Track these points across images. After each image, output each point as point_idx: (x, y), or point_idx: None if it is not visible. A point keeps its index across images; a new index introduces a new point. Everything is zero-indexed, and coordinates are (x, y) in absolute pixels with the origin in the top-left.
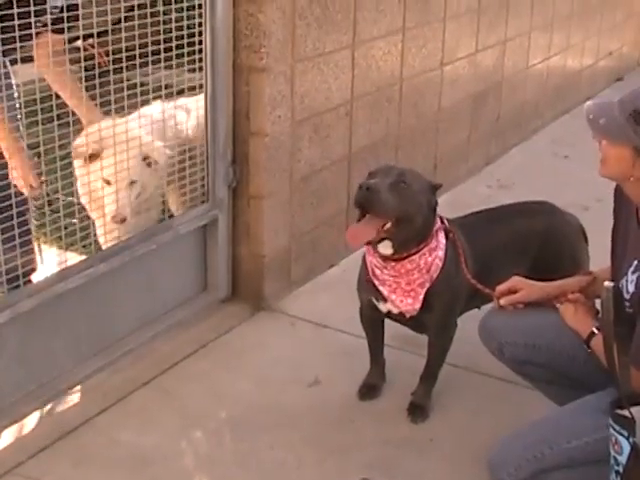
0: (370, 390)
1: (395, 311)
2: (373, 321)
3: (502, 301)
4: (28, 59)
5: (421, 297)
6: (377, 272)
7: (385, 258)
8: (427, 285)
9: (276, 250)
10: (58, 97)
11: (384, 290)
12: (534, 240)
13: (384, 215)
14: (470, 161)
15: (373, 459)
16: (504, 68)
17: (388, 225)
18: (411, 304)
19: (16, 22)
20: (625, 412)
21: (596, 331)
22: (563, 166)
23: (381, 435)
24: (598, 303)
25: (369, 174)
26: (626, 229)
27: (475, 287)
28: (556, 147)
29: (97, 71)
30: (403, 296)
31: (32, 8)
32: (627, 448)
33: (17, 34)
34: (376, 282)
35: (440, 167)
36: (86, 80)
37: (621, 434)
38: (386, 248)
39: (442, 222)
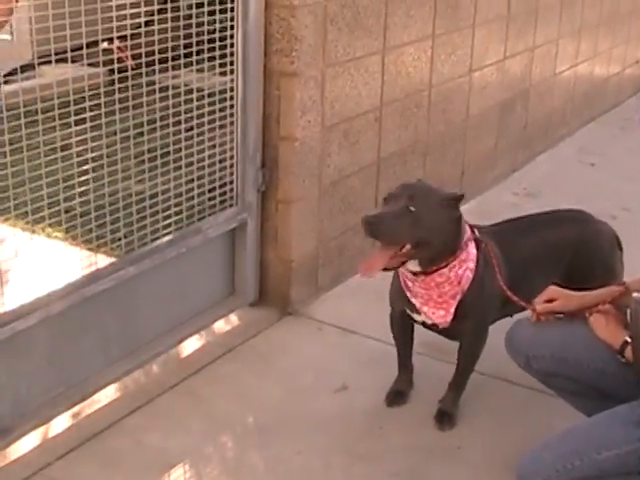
0: (398, 397)
1: (429, 322)
2: (403, 328)
3: (539, 307)
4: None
5: (452, 309)
6: (409, 284)
7: (415, 273)
8: (458, 297)
9: (304, 255)
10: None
11: (416, 302)
12: (567, 249)
13: (393, 243)
14: (497, 168)
15: (400, 466)
16: (532, 75)
17: (407, 248)
18: (443, 316)
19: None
20: None
21: (629, 339)
22: (590, 174)
23: (408, 442)
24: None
25: (384, 199)
26: None
27: (509, 297)
28: (583, 155)
29: (130, 73)
30: (435, 308)
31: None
32: None
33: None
34: (408, 294)
35: (467, 174)
36: (118, 82)
37: None
38: (414, 265)
39: (472, 232)
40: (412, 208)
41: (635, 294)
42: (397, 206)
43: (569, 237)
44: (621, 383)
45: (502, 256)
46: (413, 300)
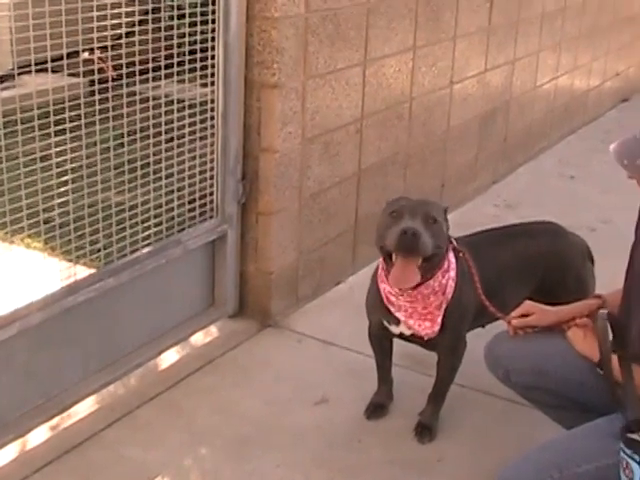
0: (377, 409)
1: (407, 333)
2: (382, 340)
3: (514, 322)
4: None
5: (439, 319)
6: (392, 299)
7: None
8: (444, 306)
9: (284, 267)
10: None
11: (401, 316)
12: (539, 261)
13: (424, 256)
14: (477, 180)
15: (380, 479)
16: (512, 87)
17: (419, 262)
18: (430, 327)
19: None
20: (637, 436)
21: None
22: (569, 187)
23: (388, 455)
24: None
25: (393, 212)
26: None
27: (484, 306)
28: (562, 167)
29: (110, 84)
30: (420, 320)
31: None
32: (638, 473)
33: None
34: (392, 308)
35: (448, 186)
36: (99, 93)
37: (632, 458)
38: None
39: (450, 242)
40: (434, 222)
41: (601, 311)
42: (421, 219)
43: (541, 249)
44: (600, 396)
45: (476, 267)
46: (397, 314)
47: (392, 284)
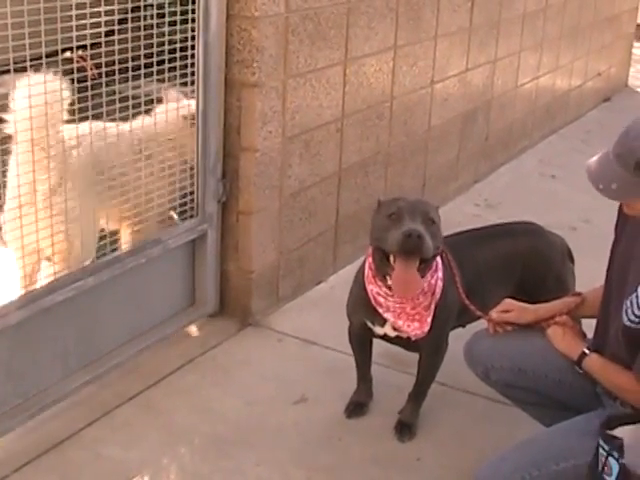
0: (357, 408)
1: (392, 334)
2: (363, 341)
3: (494, 315)
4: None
5: (429, 319)
6: (381, 300)
7: (390, 287)
8: (433, 307)
9: (264, 266)
10: None
11: (389, 317)
12: (518, 261)
13: (426, 257)
14: (459, 180)
15: (360, 478)
16: (494, 87)
17: (417, 264)
18: (418, 327)
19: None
20: (615, 432)
21: (587, 351)
22: (550, 186)
23: (368, 454)
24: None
25: (392, 213)
26: (631, 247)
27: (465, 306)
28: (544, 167)
29: (89, 83)
30: (409, 320)
31: None
32: (616, 469)
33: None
34: (381, 310)
35: (429, 185)
36: (78, 92)
37: (611, 455)
38: None
39: None
40: (433, 223)
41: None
42: (421, 220)
43: (520, 249)
44: (579, 394)
45: (456, 267)
46: (386, 315)
47: (396, 292)
